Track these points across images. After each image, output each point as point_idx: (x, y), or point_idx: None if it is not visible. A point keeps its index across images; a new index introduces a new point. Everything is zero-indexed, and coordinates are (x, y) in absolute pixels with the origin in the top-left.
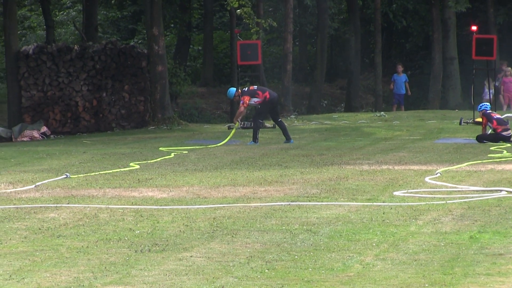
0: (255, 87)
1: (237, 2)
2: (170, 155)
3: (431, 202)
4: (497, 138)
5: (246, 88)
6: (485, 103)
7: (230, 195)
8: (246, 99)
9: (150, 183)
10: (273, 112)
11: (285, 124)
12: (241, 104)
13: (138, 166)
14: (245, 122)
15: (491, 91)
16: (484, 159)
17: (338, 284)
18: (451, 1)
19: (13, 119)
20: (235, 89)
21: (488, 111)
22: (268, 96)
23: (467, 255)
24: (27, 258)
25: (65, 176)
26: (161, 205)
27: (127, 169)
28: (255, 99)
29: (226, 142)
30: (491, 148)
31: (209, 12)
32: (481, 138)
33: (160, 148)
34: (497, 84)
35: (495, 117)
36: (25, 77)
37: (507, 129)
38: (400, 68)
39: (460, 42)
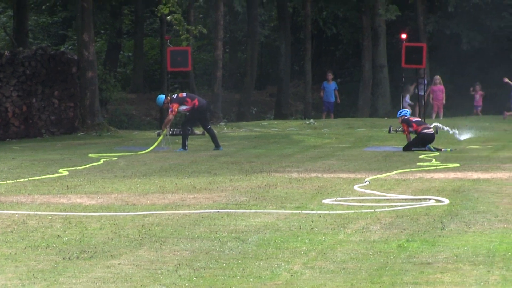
0: (185, 94)
1: (168, 9)
2: (99, 161)
3: (360, 211)
4: (422, 139)
5: (175, 95)
6: (404, 109)
7: (159, 202)
8: (175, 106)
9: (78, 190)
10: (203, 119)
11: (215, 131)
12: (169, 112)
13: (67, 173)
14: (174, 129)
15: (421, 101)
16: (413, 168)
17: None
18: (381, 9)
19: None
20: (164, 96)
21: (406, 117)
22: (197, 104)
23: (395, 264)
24: None
25: None
26: (89, 212)
27: (56, 175)
28: (184, 107)
29: (154, 148)
30: (420, 157)
31: (139, 18)
32: (407, 148)
33: (90, 155)
34: (421, 93)
35: (413, 120)
36: None
37: (428, 128)
38: (330, 75)
39: (390, 49)
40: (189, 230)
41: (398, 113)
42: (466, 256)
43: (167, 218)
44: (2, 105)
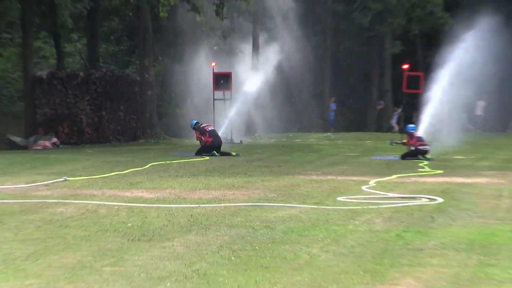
0: (210, 128)
1: None
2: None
3: (366, 206)
4: (416, 153)
5: (203, 124)
6: (411, 125)
7: (205, 196)
8: (197, 133)
9: (140, 186)
10: (214, 150)
11: (227, 151)
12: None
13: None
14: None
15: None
16: (410, 173)
17: (290, 270)
18: (387, 45)
19: (29, 131)
20: (195, 122)
21: (410, 131)
22: (209, 142)
23: (394, 249)
24: (40, 243)
25: (64, 179)
26: (149, 204)
27: (123, 172)
28: (202, 138)
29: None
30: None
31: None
32: (404, 156)
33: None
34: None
35: (416, 135)
36: (39, 97)
37: (424, 145)
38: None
39: (394, 78)
40: (229, 220)
41: (406, 127)
42: (450, 244)
43: (211, 210)
44: (78, 116)
